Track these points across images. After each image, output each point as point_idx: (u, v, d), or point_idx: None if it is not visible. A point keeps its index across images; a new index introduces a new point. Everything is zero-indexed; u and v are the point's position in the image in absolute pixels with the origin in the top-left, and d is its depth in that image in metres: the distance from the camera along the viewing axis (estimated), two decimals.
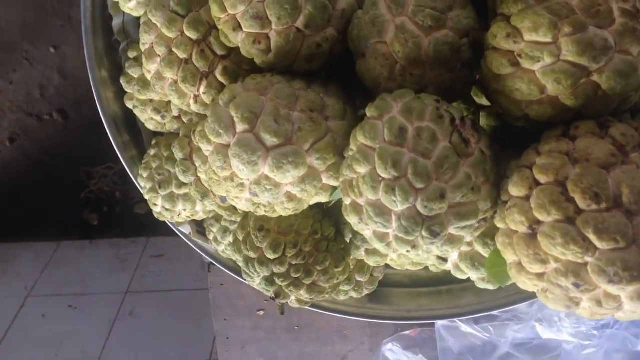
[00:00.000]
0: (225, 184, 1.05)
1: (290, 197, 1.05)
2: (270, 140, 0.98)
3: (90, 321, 3.97)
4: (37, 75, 4.14)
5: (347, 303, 1.66)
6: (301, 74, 1.11)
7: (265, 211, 1.08)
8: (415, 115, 0.92)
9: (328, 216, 1.28)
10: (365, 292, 1.54)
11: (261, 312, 1.99)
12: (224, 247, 1.56)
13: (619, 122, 0.88)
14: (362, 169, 0.94)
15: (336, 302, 1.62)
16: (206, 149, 1.05)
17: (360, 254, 1.32)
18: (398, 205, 0.90)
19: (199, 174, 1.14)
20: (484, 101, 1.16)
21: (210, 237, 1.57)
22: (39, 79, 4.15)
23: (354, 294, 1.52)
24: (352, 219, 0.99)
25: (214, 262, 1.68)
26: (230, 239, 1.52)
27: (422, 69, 0.99)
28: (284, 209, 1.07)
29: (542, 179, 0.86)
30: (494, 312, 1.72)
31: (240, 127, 1.00)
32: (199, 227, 1.63)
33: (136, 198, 4.36)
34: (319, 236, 1.23)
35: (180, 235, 1.63)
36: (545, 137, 0.93)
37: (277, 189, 1.02)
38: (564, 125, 0.92)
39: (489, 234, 1.04)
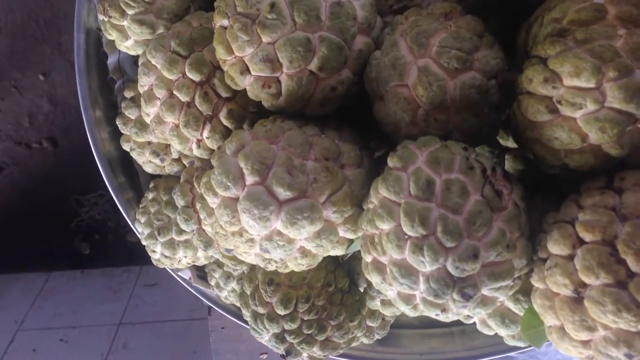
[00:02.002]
0: (233, 238, 0.97)
1: (304, 253, 0.97)
2: (283, 193, 0.90)
3: (83, 355, 3.85)
4: (26, 103, 4.04)
5: (357, 347, 1.57)
6: (313, 117, 1.03)
7: (277, 267, 1.00)
8: (444, 166, 0.84)
9: (341, 266, 1.20)
10: (377, 337, 1.46)
11: (264, 356, 1.90)
12: (226, 294, 1.47)
13: None
14: (385, 225, 0.86)
15: None
16: (212, 201, 0.97)
17: (376, 305, 1.23)
18: (426, 265, 0.82)
19: (203, 227, 1.05)
20: (509, 143, 1.09)
21: (212, 282, 1.48)
22: (28, 107, 4.06)
23: (365, 340, 1.44)
24: (373, 278, 0.91)
25: (214, 307, 1.59)
26: (234, 284, 1.43)
27: (447, 114, 0.91)
28: (297, 265, 0.99)
29: (587, 237, 0.78)
30: (511, 354, 1.64)
31: (250, 179, 0.92)
32: (200, 271, 1.55)
33: (128, 226, 4.25)
34: (333, 288, 1.14)
35: (180, 281, 1.54)
36: (587, 188, 0.85)
37: (290, 244, 0.94)
38: (606, 176, 0.84)
39: (520, 289, 0.96)
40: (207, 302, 1.58)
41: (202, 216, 1.02)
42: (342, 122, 1.07)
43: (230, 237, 0.97)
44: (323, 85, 0.96)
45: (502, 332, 1.04)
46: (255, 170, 0.91)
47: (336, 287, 1.15)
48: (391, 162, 0.89)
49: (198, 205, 1.06)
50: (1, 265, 4.37)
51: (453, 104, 0.90)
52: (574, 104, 0.78)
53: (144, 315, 4.06)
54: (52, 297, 4.28)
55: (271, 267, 1.00)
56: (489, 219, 0.82)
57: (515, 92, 0.88)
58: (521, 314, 0.99)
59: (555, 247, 0.82)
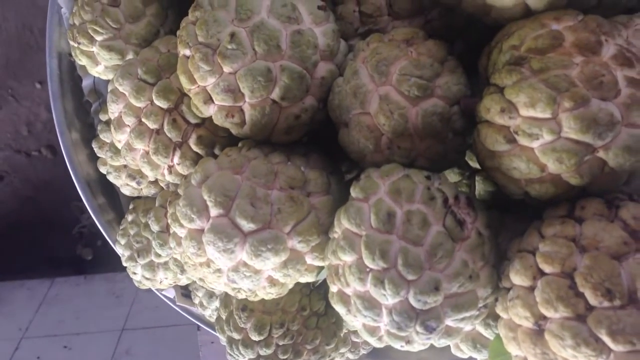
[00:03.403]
0: (201, 269, 0.96)
1: (272, 282, 0.96)
2: (247, 225, 0.90)
3: None
4: (24, 112, 4.05)
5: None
6: (280, 144, 1.02)
7: (246, 295, 1.00)
8: (405, 196, 0.83)
9: (317, 288, 1.19)
10: (362, 352, 1.46)
11: None
12: (210, 312, 1.47)
13: (630, 201, 0.79)
14: (347, 258, 0.85)
15: None
16: (179, 232, 0.97)
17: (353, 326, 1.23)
18: (388, 298, 0.81)
19: (174, 255, 1.05)
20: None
21: (196, 301, 1.48)
22: (25, 115, 4.07)
23: (350, 356, 1.44)
24: (339, 309, 0.90)
25: (200, 324, 1.59)
26: (217, 303, 1.43)
27: (410, 142, 0.90)
28: (267, 294, 0.99)
29: (546, 268, 0.77)
30: None
31: (214, 211, 0.91)
32: (184, 289, 1.55)
33: None
34: (308, 312, 1.14)
35: (166, 300, 1.54)
36: (549, 216, 0.84)
37: (257, 275, 0.94)
38: (569, 203, 0.83)
39: (490, 314, 0.94)
40: (193, 319, 1.58)
41: (171, 245, 1.02)
42: (310, 147, 1.06)
43: (199, 267, 0.97)
44: (287, 113, 0.96)
45: (475, 356, 1.03)
46: (218, 202, 0.90)
47: (311, 311, 1.14)
48: (354, 192, 0.88)
49: (170, 235, 1.06)
50: (5, 272, 4.39)
51: (416, 132, 0.89)
52: (530, 134, 0.77)
53: (147, 320, 4.08)
54: (55, 304, 4.30)
55: (241, 296, 1.00)
56: (451, 250, 0.81)
57: (476, 119, 0.87)
58: (492, 338, 0.98)
59: (517, 277, 0.81)
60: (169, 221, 0.98)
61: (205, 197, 0.91)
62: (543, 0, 0.83)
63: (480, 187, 1.12)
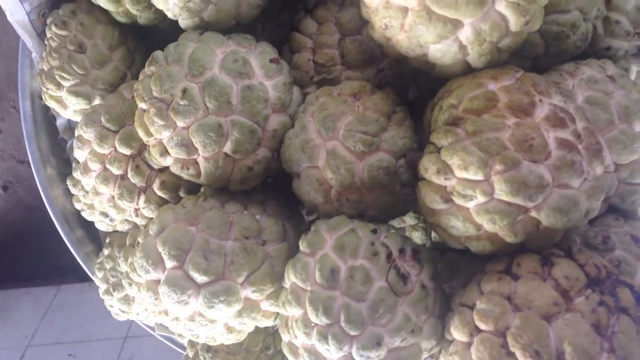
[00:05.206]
0: (160, 316, 0.99)
1: (229, 329, 0.99)
2: (200, 278, 0.92)
3: None
4: None
5: None
6: (238, 192, 1.04)
7: (206, 341, 1.02)
8: (349, 252, 0.86)
9: None
10: None
11: None
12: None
13: (564, 258, 0.81)
14: (294, 311, 0.87)
15: None
16: (138, 281, 0.99)
17: None
18: (332, 353, 0.83)
19: (137, 301, 1.08)
20: None
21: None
22: None
23: None
24: (290, 359, 0.92)
25: (181, 351, 1.62)
26: None
27: (358, 194, 0.92)
28: (225, 340, 1.01)
29: (482, 325, 0.79)
30: None
31: (169, 263, 0.93)
32: None
33: None
34: (272, 351, 1.16)
35: (147, 329, 1.57)
36: (489, 269, 0.86)
37: (213, 324, 0.96)
38: (508, 258, 0.85)
39: None
40: (175, 347, 1.60)
41: (134, 292, 1.04)
42: (269, 192, 1.08)
43: (158, 315, 0.99)
44: (240, 165, 0.98)
45: None
46: (172, 255, 0.93)
47: (275, 350, 1.16)
48: (302, 246, 0.90)
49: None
50: (10, 280, 4.44)
51: (363, 185, 0.91)
52: (465, 195, 0.79)
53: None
54: (61, 311, 4.34)
55: (201, 341, 1.02)
56: (393, 305, 0.83)
57: (418, 176, 0.89)
58: None
59: (456, 332, 0.83)
60: (128, 269, 1.01)
61: (160, 249, 0.94)
62: (482, 59, 0.85)
63: None
